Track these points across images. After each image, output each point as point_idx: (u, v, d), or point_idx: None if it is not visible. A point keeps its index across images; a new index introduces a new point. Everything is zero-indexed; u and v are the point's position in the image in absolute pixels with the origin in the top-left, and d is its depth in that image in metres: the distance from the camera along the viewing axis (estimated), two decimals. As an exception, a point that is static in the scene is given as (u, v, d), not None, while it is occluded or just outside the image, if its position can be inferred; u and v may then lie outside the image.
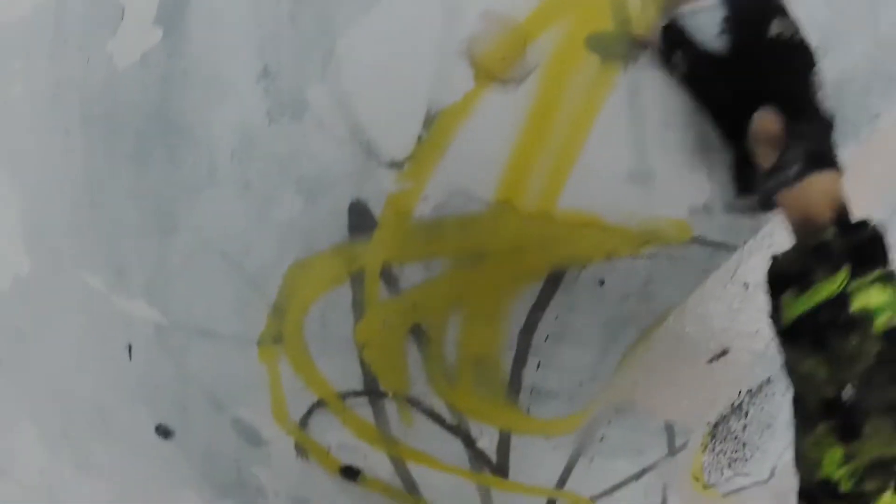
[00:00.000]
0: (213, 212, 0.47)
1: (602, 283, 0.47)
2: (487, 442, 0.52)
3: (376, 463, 0.54)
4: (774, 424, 0.58)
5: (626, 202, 0.45)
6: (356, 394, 0.49)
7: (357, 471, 0.54)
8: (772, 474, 0.62)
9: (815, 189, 0.35)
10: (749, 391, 0.56)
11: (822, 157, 0.35)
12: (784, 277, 0.34)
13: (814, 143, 0.35)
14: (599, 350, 0.48)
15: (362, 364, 0.48)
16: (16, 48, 0.60)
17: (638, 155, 0.45)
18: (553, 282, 0.46)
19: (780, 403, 0.58)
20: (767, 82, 0.37)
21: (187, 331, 0.50)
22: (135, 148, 0.50)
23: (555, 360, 0.47)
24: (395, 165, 0.43)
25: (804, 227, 0.35)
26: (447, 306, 0.45)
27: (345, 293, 0.46)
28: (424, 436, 0.52)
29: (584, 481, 0.55)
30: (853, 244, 0.32)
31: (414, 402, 0.50)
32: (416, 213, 0.44)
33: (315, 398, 0.50)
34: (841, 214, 0.34)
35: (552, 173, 0.44)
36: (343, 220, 0.44)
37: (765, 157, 0.37)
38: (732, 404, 0.56)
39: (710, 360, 0.53)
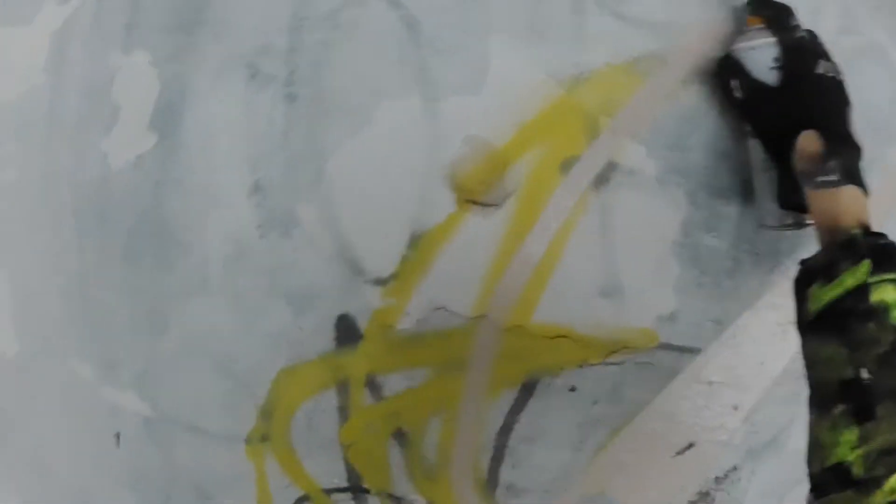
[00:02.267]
0: (202, 317, 0.49)
1: (573, 389, 0.49)
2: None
3: (360, 558, 0.56)
4: (739, 508, 0.61)
5: (597, 314, 0.48)
6: (340, 490, 0.51)
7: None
8: None
9: (846, 199, 0.40)
10: (716, 478, 0.59)
11: (855, 174, 0.42)
12: (811, 273, 0.40)
13: (849, 162, 0.42)
14: (572, 449, 0.50)
15: (347, 463, 0.50)
16: (9, 131, 0.61)
17: (608, 271, 0.48)
18: (528, 389, 0.48)
19: (746, 488, 0.61)
20: (812, 111, 0.44)
21: (176, 425, 0.52)
22: (126, 247, 0.51)
23: (529, 459, 0.50)
24: (380, 282, 0.46)
25: (832, 232, 0.40)
26: (428, 412, 0.48)
27: (331, 398, 0.48)
28: (405, 531, 0.54)
29: (557, 569, 0.58)
30: (875, 244, 0.38)
31: (395, 500, 0.52)
32: (400, 326, 0.46)
33: (301, 493, 0.52)
34: (864, 223, 0.40)
35: (528, 290, 0.47)
36: (330, 331, 0.47)
37: (807, 170, 0.42)
38: (699, 491, 0.59)
39: (677, 454, 0.55)
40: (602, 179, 0.47)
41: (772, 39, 0.46)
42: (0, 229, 0.59)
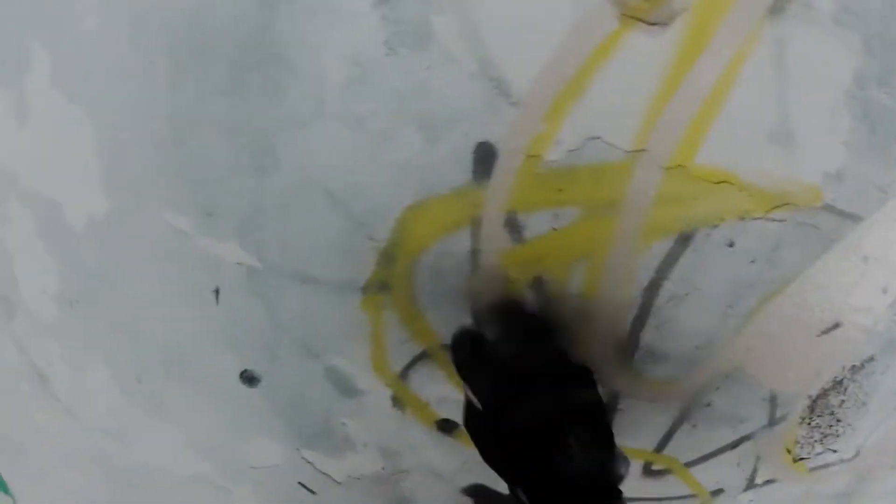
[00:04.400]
0: (319, 148, 0.44)
1: (732, 244, 0.44)
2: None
3: (475, 419, 0.53)
4: (869, 403, 0.57)
5: (764, 161, 0.42)
6: (464, 346, 0.47)
7: (455, 424, 0.52)
8: (857, 453, 0.61)
9: None
10: (852, 367, 0.54)
11: None
12: None
13: None
14: (720, 314, 0.46)
15: (475, 316, 0.46)
16: (90, -31, 0.56)
17: (779, 113, 0.42)
18: (684, 240, 0.43)
19: (878, 382, 0.56)
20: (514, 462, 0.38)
21: (283, 275, 0.48)
22: (228, 79, 0.47)
23: (675, 322, 0.45)
24: (528, 105, 0.41)
25: None
26: (573, 259, 0.43)
27: (463, 240, 0.43)
28: (529, 393, 0.50)
29: (683, 447, 0.54)
30: None
31: (524, 358, 0.48)
32: (548, 158, 0.41)
33: (419, 349, 0.48)
34: None
35: (693, 125, 0.41)
36: (466, 161, 0.42)
37: None
38: (834, 379, 0.54)
39: (822, 333, 0.51)
40: (777, 8, 0.41)
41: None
42: (85, 81, 0.55)
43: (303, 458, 0.57)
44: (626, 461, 0.39)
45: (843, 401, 0.56)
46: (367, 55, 0.41)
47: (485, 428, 0.39)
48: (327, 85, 0.43)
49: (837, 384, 0.55)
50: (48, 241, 0.58)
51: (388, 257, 0.45)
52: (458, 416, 0.54)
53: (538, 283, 0.45)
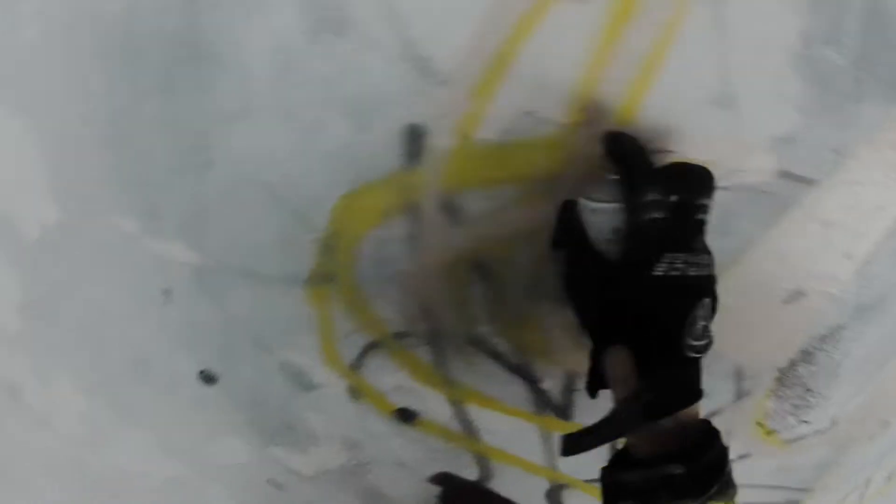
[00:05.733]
0: (251, 142, 0.43)
1: (679, 215, 0.43)
2: (552, 384, 0.50)
3: (434, 405, 0.52)
4: (841, 372, 0.55)
5: (707, 128, 0.41)
6: (413, 333, 0.46)
7: (413, 413, 0.52)
8: (833, 423, 0.59)
9: (655, 428, 0.34)
10: (821, 336, 0.53)
11: (664, 407, 0.34)
12: (624, 488, 0.35)
13: (660, 393, 0.34)
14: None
15: (421, 302, 0.45)
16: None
17: (721, 77, 0.40)
18: (628, 212, 0.42)
19: (848, 350, 0.55)
20: (634, 321, 0.35)
21: (229, 272, 0.47)
22: (159, 79, 0.46)
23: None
24: (455, 84, 0.39)
25: (648, 450, 0.35)
26: (514, 238, 0.42)
27: (401, 226, 0.43)
28: (485, 377, 0.49)
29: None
30: (698, 477, 0.33)
31: (475, 342, 0.47)
32: (479, 136, 0.40)
33: (369, 339, 0.48)
34: (687, 442, 0.34)
35: (629, 93, 0.40)
36: (397, 145, 0.41)
37: (613, 389, 0.36)
38: (803, 349, 0.53)
39: (785, 302, 0.49)
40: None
41: (616, 205, 0.35)
42: (25, 94, 0.54)
43: (270, 454, 0.57)
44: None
45: (813, 371, 0.54)
46: (290, 44, 0.40)
47: (613, 279, 0.35)
48: (254, 78, 0.42)
49: (806, 354, 0.53)
50: (5, 254, 0.58)
51: (328, 248, 0.44)
52: (415, 404, 0.54)
53: (481, 266, 0.44)
